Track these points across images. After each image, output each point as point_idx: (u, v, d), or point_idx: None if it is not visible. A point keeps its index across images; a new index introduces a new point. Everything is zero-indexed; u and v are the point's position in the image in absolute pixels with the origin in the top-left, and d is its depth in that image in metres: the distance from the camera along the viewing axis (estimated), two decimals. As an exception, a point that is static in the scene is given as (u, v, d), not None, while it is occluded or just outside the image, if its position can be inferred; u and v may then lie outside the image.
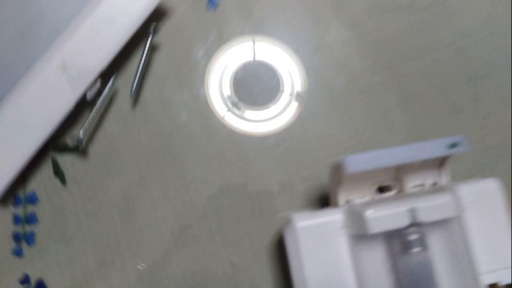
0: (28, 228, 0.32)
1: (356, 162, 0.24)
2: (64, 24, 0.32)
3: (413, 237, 0.24)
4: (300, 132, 0.34)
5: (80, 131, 0.32)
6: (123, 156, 0.33)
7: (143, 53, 0.33)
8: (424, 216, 0.24)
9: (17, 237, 0.32)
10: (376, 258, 0.26)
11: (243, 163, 0.33)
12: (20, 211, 0.33)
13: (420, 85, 0.34)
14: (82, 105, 0.33)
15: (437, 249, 0.26)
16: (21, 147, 0.31)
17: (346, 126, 0.33)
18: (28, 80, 0.31)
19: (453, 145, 0.25)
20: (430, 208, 0.24)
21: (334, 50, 0.34)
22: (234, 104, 0.30)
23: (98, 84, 0.32)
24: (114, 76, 0.33)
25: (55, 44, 0.32)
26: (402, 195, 0.27)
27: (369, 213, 0.23)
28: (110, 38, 0.32)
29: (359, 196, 0.27)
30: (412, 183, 0.27)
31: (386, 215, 0.24)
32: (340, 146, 0.33)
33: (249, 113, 0.32)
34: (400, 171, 0.27)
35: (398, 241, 0.25)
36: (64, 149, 0.34)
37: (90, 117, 0.32)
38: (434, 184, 0.27)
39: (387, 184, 0.28)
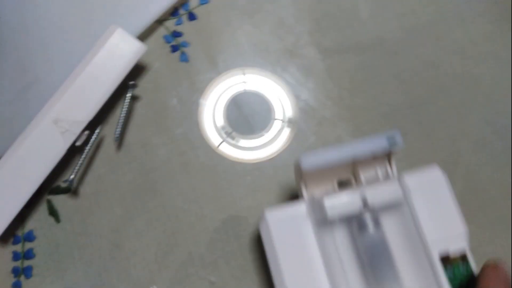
0: (26, 263, 0.34)
1: (309, 159, 0.27)
2: (56, 85, 0.34)
3: (367, 219, 0.27)
4: (291, 157, 0.36)
5: (71, 175, 0.34)
6: (110, 193, 0.35)
7: (124, 103, 0.35)
8: (373, 200, 0.27)
9: (16, 272, 0.34)
10: (338, 240, 0.28)
11: (229, 189, 0.35)
12: (19, 248, 0.34)
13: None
14: (73, 151, 0.34)
15: (392, 229, 0.28)
16: (20, 192, 0.32)
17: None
18: (26, 134, 0.33)
19: (392, 139, 0.27)
20: (378, 193, 0.27)
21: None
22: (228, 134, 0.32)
23: (86, 133, 0.34)
24: (100, 125, 0.35)
25: (49, 102, 0.33)
26: (357, 186, 0.29)
27: (327, 201, 0.26)
28: (95, 95, 0.34)
29: (321, 191, 0.29)
30: (367, 176, 0.29)
31: (341, 202, 0.27)
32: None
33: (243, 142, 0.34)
34: (356, 167, 0.29)
35: (355, 224, 0.28)
36: (58, 191, 0.35)
37: (80, 161, 0.34)
38: (386, 176, 0.30)
39: (346, 179, 0.30)
